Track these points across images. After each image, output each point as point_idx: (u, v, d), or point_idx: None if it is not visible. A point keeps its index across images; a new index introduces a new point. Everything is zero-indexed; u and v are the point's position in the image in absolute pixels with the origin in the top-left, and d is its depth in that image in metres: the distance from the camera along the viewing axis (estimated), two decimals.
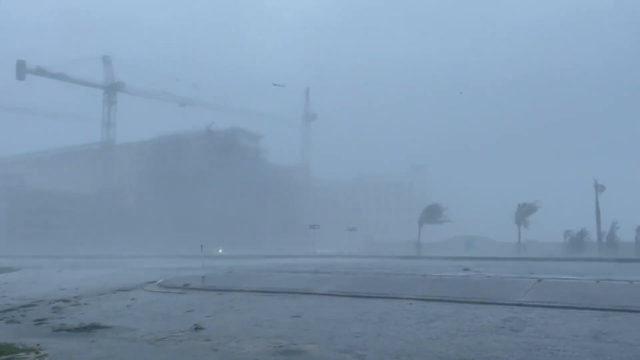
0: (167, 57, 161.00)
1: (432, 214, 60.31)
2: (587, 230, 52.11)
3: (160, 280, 17.32)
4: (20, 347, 7.57)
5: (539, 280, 13.41)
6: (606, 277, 15.04)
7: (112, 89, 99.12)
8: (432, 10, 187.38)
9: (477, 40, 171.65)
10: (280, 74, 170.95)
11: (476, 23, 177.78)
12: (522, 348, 7.46)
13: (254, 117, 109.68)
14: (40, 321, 10.25)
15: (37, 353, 7.34)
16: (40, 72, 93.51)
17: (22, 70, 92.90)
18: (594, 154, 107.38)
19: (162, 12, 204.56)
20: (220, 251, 57.80)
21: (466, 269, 20.76)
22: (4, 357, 7.09)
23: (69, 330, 9.31)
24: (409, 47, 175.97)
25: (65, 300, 13.32)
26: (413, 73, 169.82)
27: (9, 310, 11.77)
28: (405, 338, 8.25)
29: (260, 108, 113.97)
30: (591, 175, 54.36)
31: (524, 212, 54.70)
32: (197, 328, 9.23)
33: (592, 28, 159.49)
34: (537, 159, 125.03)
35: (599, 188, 51.90)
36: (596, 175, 53.46)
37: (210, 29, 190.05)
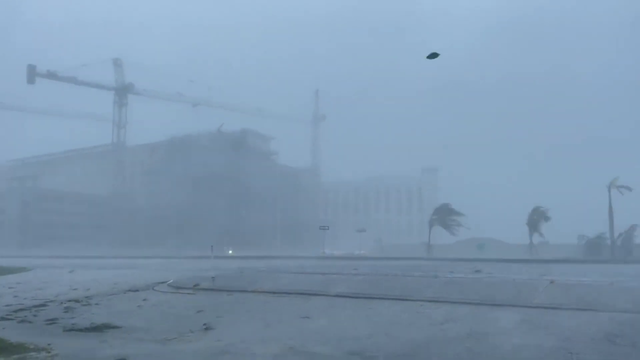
0: (181, 58, 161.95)
1: (445, 214, 59.56)
2: (603, 233, 51.26)
3: (171, 281, 17.36)
4: (32, 347, 7.60)
5: (552, 282, 13.25)
6: (619, 280, 14.83)
7: (122, 91, 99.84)
8: (441, 10, 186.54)
9: (486, 40, 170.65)
10: (289, 75, 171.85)
11: (485, 21, 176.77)
12: (537, 350, 7.35)
13: (264, 118, 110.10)
14: (51, 321, 10.29)
15: (48, 352, 7.37)
16: (51, 75, 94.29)
17: (32, 74, 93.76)
18: (609, 155, 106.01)
19: (176, 15, 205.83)
20: (230, 252, 58.03)
21: (478, 271, 20.59)
22: (15, 356, 7.12)
23: (80, 330, 9.34)
24: (420, 47, 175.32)
25: (76, 301, 13.38)
26: (423, 74, 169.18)
27: (21, 310, 11.83)
28: (416, 340, 8.16)
29: (270, 109, 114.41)
30: (605, 175, 53.52)
31: (538, 217, 53.96)
32: (207, 328, 9.21)
33: (604, 27, 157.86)
34: (549, 160, 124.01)
35: (622, 189, 50.85)
36: (612, 175, 52.47)
37: (219, 29, 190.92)
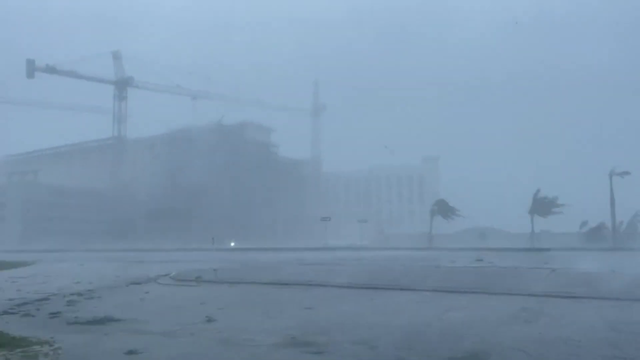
0: (180, 51, 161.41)
1: (443, 209, 59.90)
2: (605, 222, 51.20)
3: (173, 273, 17.41)
4: (35, 340, 7.62)
5: (553, 270, 13.26)
6: (621, 268, 14.84)
7: (122, 85, 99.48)
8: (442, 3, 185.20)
9: (485, 30, 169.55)
10: (290, 65, 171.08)
11: (484, 13, 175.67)
12: (537, 339, 7.35)
13: (265, 109, 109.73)
14: (54, 314, 10.32)
15: (51, 346, 7.38)
16: (50, 69, 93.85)
17: (31, 68, 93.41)
18: (611, 143, 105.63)
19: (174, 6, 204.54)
20: (232, 244, 58.16)
21: (479, 260, 20.65)
22: (18, 349, 7.14)
23: (82, 323, 9.36)
24: (421, 38, 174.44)
25: (79, 294, 13.42)
26: (423, 64, 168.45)
27: (24, 304, 11.87)
28: (418, 329, 8.18)
29: (270, 100, 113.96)
30: (607, 163, 53.34)
31: (546, 205, 53.82)
32: (209, 320, 9.23)
33: (606, 19, 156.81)
34: (551, 148, 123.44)
35: (621, 174, 50.70)
36: (613, 164, 52.32)
37: (218, 21, 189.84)
